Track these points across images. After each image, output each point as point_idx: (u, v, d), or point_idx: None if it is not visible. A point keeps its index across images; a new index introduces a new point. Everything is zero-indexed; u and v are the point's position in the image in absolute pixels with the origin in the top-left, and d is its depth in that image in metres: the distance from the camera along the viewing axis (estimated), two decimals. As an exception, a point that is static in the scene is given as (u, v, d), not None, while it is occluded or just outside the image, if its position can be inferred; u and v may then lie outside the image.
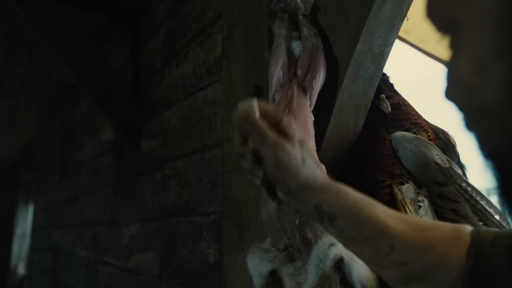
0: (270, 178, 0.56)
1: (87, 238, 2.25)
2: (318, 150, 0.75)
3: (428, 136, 0.80)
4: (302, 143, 0.56)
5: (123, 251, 1.64)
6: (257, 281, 0.70)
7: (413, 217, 0.68)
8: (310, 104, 0.76)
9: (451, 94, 0.32)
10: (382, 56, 0.78)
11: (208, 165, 1.06)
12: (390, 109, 0.82)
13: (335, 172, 0.81)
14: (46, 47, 1.75)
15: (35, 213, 5.09)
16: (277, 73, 0.77)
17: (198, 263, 1.06)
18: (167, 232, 1.26)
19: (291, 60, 0.78)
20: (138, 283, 1.45)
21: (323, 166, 0.60)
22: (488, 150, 0.31)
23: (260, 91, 0.85)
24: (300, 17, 0.81)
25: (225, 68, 0.99)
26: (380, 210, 0.52)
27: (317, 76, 0.75)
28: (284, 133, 0.56)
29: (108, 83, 1.75)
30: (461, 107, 0.32)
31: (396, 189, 0.74)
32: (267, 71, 0.80)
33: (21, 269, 6.04)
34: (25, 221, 6.12)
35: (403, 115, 0.84)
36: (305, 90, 0.75)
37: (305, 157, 0.55)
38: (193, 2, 1.25)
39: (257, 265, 0.70)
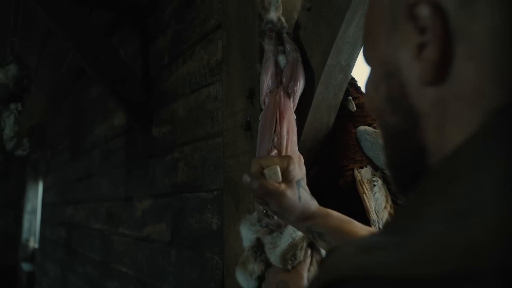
0: (273, 212, 0.78)
1: (101, 212, 2.49)
2: (298, 141, 0.97)
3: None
4: (299, 182, 0.75)
5: (136, 223, 1.87)
6: (246, 244, 0.93)
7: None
8: (293, 106, 0.97)
9: None
10: (348, 68, 0.99)
11: (211, 151, 1.28)
12: (355, 108, 1.03)
13: (311, 158, 1.03)
14: (61, 39, 1.95)
15: (45, 190, 5.34)
16: (266, 81, 0.98)
17: (204, 231, 1.29)
18: (176, 206, 1.49)
19: (278, 71, 0.99)
20: (151, 249, 1.69)
21: (313, 198, 0.80)
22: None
23: (253, 93, 1.06)
24: (285, 35, 1.01)
25: (225, 72, 1.20)
26: (356, 226, 0.75)
27: (298, 84, 0.97)
28: (288, 176, 0.75)
29: (120, 73, 1.96)
30: None
31: (356, 172, 0.96)
32: (259, 78, 1.01)
33: (32, 243, 6.34)
34: (35, 198, 6.39)
35: (366, 112, 1.05)
36: (289, 94, 0.97)
37: (301, 195, 0.74)
38: (197, 9, 1.45)
39: (246, 233, 0.94)
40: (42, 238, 5.14)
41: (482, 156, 0.31)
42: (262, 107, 0.97)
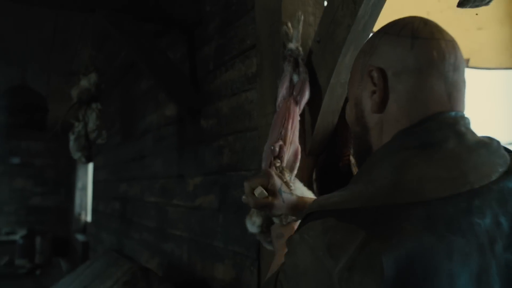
0: (269, 214, 1.14)
1: (155, 187, 2.98)
2: (311, 135, 1.39)
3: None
4: (280, 190, 0.98)
5: (189, 196, 2.35)
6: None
7: None
8: (299, 111, 1.39)
9: None
10: (346, 84, 1.40)
11: (249, 140, 1.72)
12: (352, 111, 1.45)
13: (321, 148, 1.46)
14: (122, 42, 2.40)
15: (95, 169, 5.91)
16: (281, 91, 1.40)
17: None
18: (223, 181, 1.95)
19: (291, 85, 1.41)
20: (202, 215, 2.16)
21: (293, 193, 1.12)
22: None
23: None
24: (300, 60, 1.43)
25: (258, 83, 1.63)
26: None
27: (304, 96, 1.38)
28: (272, 189, 0.98)
29: (171, 73, 2.40)
30: None
31: (351, 157, 1.38)
32: (279, 89, 1.43)
33: (84, 216, 7.02)
34: (85, 176, 7.04)
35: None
36: (296, 102, 1.39)
37: (284, 198, 0.98)
38: (236, 30, 1.87)
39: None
40: (95, 211, 5.74)
41: (385, 153, 0.74)
42: (277, 109, 1.40)
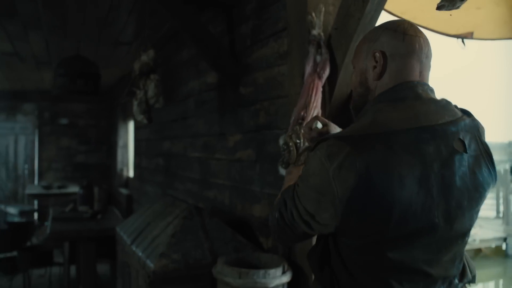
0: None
1: (198, 144, 3.47)
2: (329, 102, 1.82)
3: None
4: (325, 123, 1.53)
5: (229, 150, 2.82)
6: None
7: None
8: (321, 84, 1.81)
9: None
10: (357, 62, 1.80)
11: (281, 105, 2.16)
12: (362, 83, 1.86)
13: (338, 111, 1.89)
14: (167, 17, 2.80)
15: (137, 129, 6.45)
16: (308, 68, 1.82)
17: (277, 152, 2.20)
18: (259, 138, 2.41)
19: (315, 64, 1.82)
20: (241, 166, 2.63)
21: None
22: None
23: (303, 76, 1.91)
24: (322, 43, 1.84)
25: (289, 60, 2.05)
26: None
27: (325, 72, 1.80)
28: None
29: (212, 45, 2.81)
30: None
31: (360, 119, 1.80)
32: (306, 66, 1.85)
33: (125, 172, 7.66)
34: (126, 135, 7.62)
35: (369, 85, 1.87)
36: (319, 77, 1.81)
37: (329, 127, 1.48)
38: (270, 13, 2.28)
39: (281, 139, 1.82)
40: (138, 167, 6.32)
41: (370, 105, 1.18)
42: (304, 82, 1.82)
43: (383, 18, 1.77)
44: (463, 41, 2.75)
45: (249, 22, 2.54)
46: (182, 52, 3.87)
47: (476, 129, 1.15)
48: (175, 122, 4.16)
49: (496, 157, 1.31)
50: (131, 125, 7.36)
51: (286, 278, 1.92)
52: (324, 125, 1.40)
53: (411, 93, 1.13)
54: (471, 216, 1.13)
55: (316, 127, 1.40)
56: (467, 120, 1.14)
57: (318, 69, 1.81)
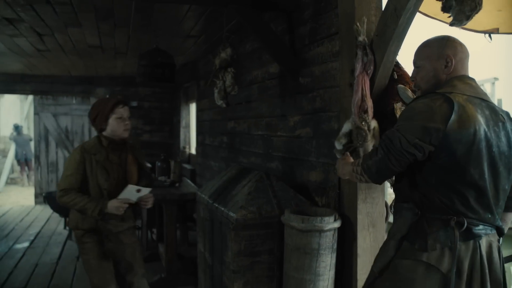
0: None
1: (262, 124, 4.12)
2: (371, 92, 2.41)
3: (409, 87, 2.41)
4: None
5: (290, 129, 3.46)
6: (343, 130, 2.43)
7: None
8: (368, 78, 2.40)
9: None
10: (393, 61, 2.38)
11: (334, 93, 2.77)
12: (396, 76, 2.43)
13: (378, 98, 2.47)
14: (237, 17, 3.44)
15: (199, 110, 7.19)
16: (358, 67, 2.41)
17: (331, 130, 2.81)
18: (315, 119, 3.03)
19: (363, 63, 2.41)
20: (300, 142, 3.27)
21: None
22: None
23: (353, 70, 2.50)
24: (367, 47, 2.42)
25: (339, 58, 2.64)
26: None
27: (371, 69, 2.39)
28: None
29: (275, 40, 3.42)
30: None
31: (395, 105, 2.38)
32: (356, 66, 2.44)
33: (188, 149, 8.48)
34: (188, 116, 8.41)
35: (403, 78, 2.44)
36: (367, 74, 2.39)
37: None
38: (325, 18, 2.87)
39: (345, 126, 2.43)
40: (201, 144, 7.07)
41: (449, 82, 1.85)
42: (355, 79, 2.42)
43: (419, 18, 2.34)
44: (490, 36, 3.23)
45: (307, 25, 3.14)
46: (246, 45, 4.51)
47: (510, 118, 1.83)
48: (239, 105, 4.83)
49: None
50: (193, 107, 8.13)
51: (337, 224, 2.56)
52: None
53: (469, 80, 1.86)
54: (511, 167, 1.77)
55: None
56: (503, 110, 1.86)
57: (366, 68, 2.40)
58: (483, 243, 1.72)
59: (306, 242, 2.53)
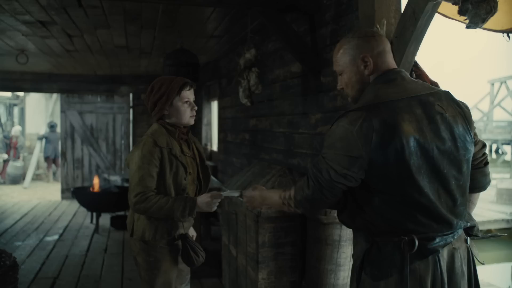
0: None
1: (283, 121, 4.26)
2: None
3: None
4: None
5: (311, 126, 3.59)
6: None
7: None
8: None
9: None
10: (411, 62, 2.49)
11: (354, 92, 2.89)
12: (415, 76, 2.54)
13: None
14: (260, 18, 3.58)
15: (221, 108, 7.35)
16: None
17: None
18: (337, 116, 3.14)
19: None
20: (322, 139, 3.39)
21: None
22: None
23: (373, 70, 2.62)
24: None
25: (360, 58, 2.76)
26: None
27: (390, 69, 2.50)
28: None
29: (297, 41, 3.55)
30: None
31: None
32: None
33: (209, 146, 8.66)
34: (209, 114, 8.60)
35: (421, 77, 2.55)
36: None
37: None
38: (345, 21, 2.99)
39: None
40: (222, 141, 7.24)
41: (372, 87, 1.85)
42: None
43: (438, 19, 2.47)
44: (508, 36, 3.30)
45: (328, 26, 3.26)
46: (268, 44, 4.65)
47: (452, 99, 1.64)
48: (261, 103, 4.97)
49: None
50: (214, 105, 8.30)
51: (357, 217, 2.68)
52: None
53: (398, 76, 1.66)
54: (459, 160, 1.57)
55: None
56: (442, 91, 1.66)
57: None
58: (444, 255, 1.57)
59: (328, 234, 2.66)
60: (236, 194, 2.20)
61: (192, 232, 2.63)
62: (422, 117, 1.54)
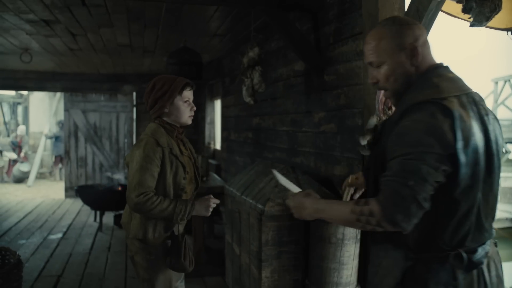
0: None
1: (287, 120, 4.26)
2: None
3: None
4: None
5: (315, 125, 3.58)
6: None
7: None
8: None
9: None
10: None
11: (358, 91, 2.88)
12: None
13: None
14: (263, 17, 3.57)
15: (224, 107, 7.36)
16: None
17: (355, 125, 2.93)
18: (340, 115, 3.14)
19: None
20: (325, 137, 3.39)
21: None
22: None
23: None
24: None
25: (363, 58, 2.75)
26: None
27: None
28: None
29: (300, 39, 3.55)
30: None
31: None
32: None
33: (213, 145, 8.67)
34: (212, 112, 8.60)
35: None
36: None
37: None
38: (349, 19, 2.98)
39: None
40: (226, 140, 7.25)
41: (425, 78, 1.80)
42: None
43: (441, 18, 2.46)
44: (512, 33, 3.29)
45: (331, 25, 3.25)
46: (271, 43, 4.65)
47: (483, 100, 1.51)
48: (265, 101, 4.97)
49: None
50: (217, 104, 8.30)
51: (360, 215, 2.68)
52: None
53: (446, 72, 1.49)
54: (500, 161, 1.47)
55: None
56: (475, 92, 1.52)
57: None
58: (485, 266, 1.47)
59: (331, 232, 2.66)
60: (294, 188, 1.84)
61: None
62: (477, 117, 1.42)
